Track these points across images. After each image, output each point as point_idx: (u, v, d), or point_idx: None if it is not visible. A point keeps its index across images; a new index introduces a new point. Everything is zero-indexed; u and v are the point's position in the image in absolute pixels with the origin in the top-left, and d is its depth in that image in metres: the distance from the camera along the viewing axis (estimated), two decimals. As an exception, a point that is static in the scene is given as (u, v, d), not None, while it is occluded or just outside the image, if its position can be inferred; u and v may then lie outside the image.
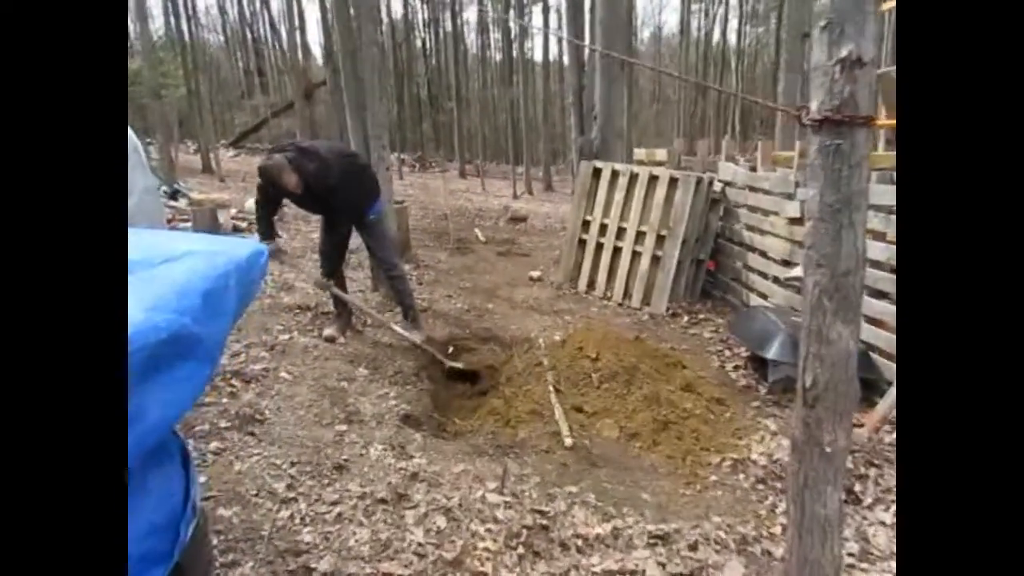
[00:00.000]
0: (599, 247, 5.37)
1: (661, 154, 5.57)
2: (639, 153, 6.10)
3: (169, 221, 7.50)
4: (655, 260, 4.96)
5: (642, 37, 35.36)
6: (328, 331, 3.75)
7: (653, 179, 5.00)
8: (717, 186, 5.12)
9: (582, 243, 5.52)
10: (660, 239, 4.93)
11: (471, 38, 33.80)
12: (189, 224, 6.72)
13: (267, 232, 3.72)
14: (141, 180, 4.52)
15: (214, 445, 2.34)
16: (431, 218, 10.59)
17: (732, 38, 32.33)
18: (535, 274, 5.88)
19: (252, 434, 2.45)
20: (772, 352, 3.30)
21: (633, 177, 5.13)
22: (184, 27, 18.71)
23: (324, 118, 24.83)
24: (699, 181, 4.81)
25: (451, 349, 3.96)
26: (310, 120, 21.95)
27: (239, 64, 36.60)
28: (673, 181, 4.87)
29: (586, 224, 5.48)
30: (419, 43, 33.97)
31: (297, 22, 19.66)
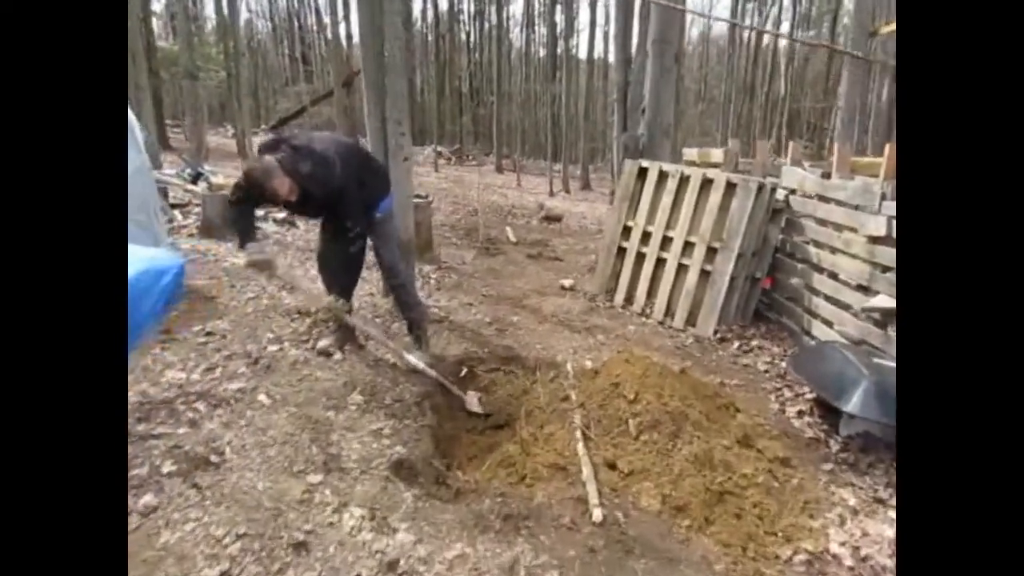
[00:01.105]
0: (640, 257, 4.77)
1: (716, 155, 4.94)
2: (689, 153, 5.48)
3: (184, 206, 7.17)
4: (704, 275, 4.35)
5: (690, 36, 34.34)
6: (323, 343, 3.26)
7: (707, 183, 4.38)
8: (780, 194, 4.48)
9: (621, 251, 4.93)
10: (711, 252, 4.31)
11: (515, 33, 33.33)
12: (200, 209, 6.34)
13: (246, 232, 2.97)
14: (135, 159, 4.12)
15: (145, 501, 1.85)
16: (461, 214, 10.09)
17: (783, 41, 31.20)
18: (567, 282, 5.31)
19: (197, 486, 1.95)
20: (853, 405, 2.67)
21: (684, 180, 4.52)
22: (224, 11, 18.59)
23: (363, 106, 24.61)
24: (760, 188, 4.17)
25: (464, 372, 3.43)
26: (349, 108, 21.74)
27: (285, 51, 36.84)
28: (730, 186, 4.24)
29: (627, 230, 4.88)
30: (463, 36, 33.58)
31: (342, 11, 19.49)
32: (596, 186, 19.43)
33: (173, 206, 7.27)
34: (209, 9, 22.89)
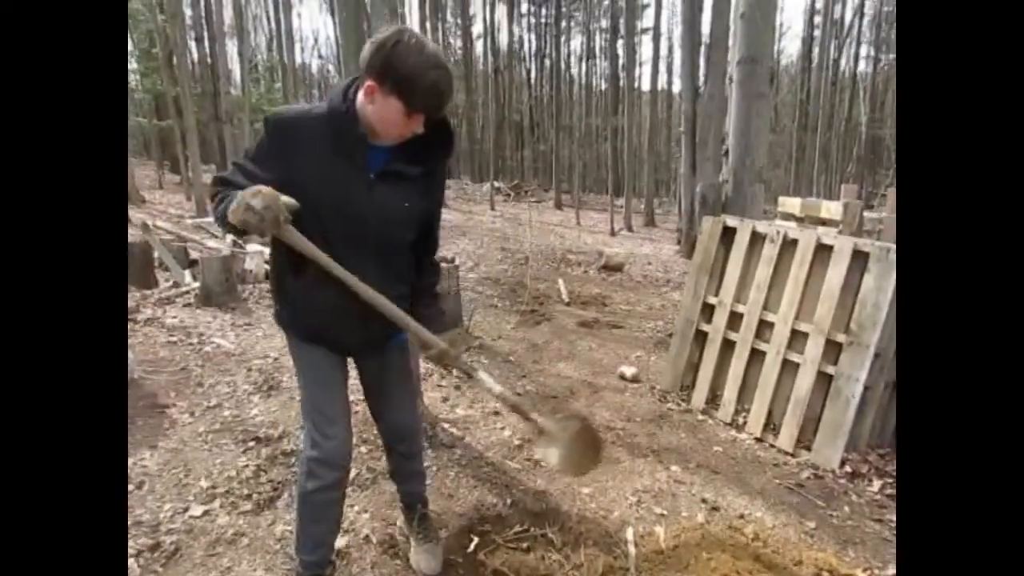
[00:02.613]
0: (728, 345, 3.57)
1: (831, 209, 3.71)
2: (788, 204, 4.25)
3: (193, 263, 6.47)
4: (823, 379, 3.11)
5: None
6: None
7: (823, 250, 3.17)
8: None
9: (701, 336, 3.74)
10: (832, 346, 3.08)
11: (576, 68, 32.85)
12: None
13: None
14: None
15: None
16: (510, 262, 9.10)
17: (862, 65, 29.20)
18: (628, 371, 4.15)
19: None
20: None
21: (788, 244, 3.32)
22: (284, 56, 18.76)
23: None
24: (908, 259, 2.92)
25: (473, 543, 2.33)
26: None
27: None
28: (860, 256, 3.02)
29: (708, 309, 3.70)
30: (523, 72, 33.34)
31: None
32: (661, 222, 18.19)
33: (192, 263, 6.62)
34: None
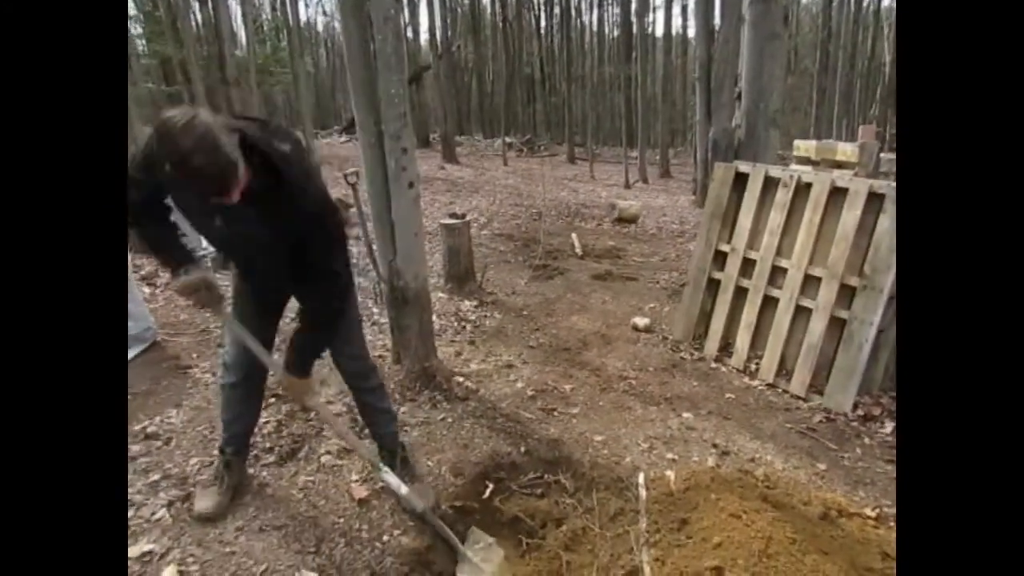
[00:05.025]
0: (740, 293, 3.56)
1: (846, 151, 3.61)
2: (803, 147, 4.14)
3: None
4: (836, 324, 3.10)
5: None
6: (204, 503, 2.09)
7: (837, 193, 3.11)
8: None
9: (713, 284, 3.73)
10: (846, 291, 3.06)
11: (587, 15, 31.83)
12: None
13: (169, 242, 1.89)
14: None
15: None
16: (523, 218, 9.04)
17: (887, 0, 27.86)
18: (641, 322, 4.16)
19: None
20: None
21: (801, 188, 3.26)
22: (288, 13, 18.37)
23: (431, 104, 24.01)
24: (924, 199, 2.86)
25: (488, 490, 2.40)
26: (417, 104, 21.17)
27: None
28: (875, 198, 2.96)
29: (720, 256, 3.67)
30: (532, 21, 32.38)
31: (406, 6, 18.92)
32: (676, 173, 17.87)
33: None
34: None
